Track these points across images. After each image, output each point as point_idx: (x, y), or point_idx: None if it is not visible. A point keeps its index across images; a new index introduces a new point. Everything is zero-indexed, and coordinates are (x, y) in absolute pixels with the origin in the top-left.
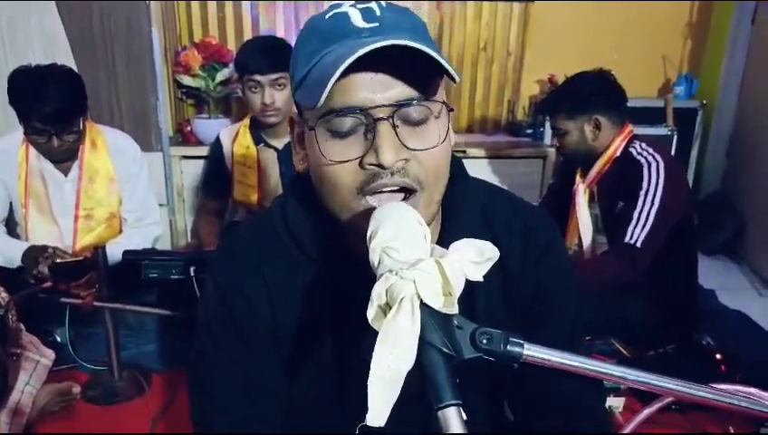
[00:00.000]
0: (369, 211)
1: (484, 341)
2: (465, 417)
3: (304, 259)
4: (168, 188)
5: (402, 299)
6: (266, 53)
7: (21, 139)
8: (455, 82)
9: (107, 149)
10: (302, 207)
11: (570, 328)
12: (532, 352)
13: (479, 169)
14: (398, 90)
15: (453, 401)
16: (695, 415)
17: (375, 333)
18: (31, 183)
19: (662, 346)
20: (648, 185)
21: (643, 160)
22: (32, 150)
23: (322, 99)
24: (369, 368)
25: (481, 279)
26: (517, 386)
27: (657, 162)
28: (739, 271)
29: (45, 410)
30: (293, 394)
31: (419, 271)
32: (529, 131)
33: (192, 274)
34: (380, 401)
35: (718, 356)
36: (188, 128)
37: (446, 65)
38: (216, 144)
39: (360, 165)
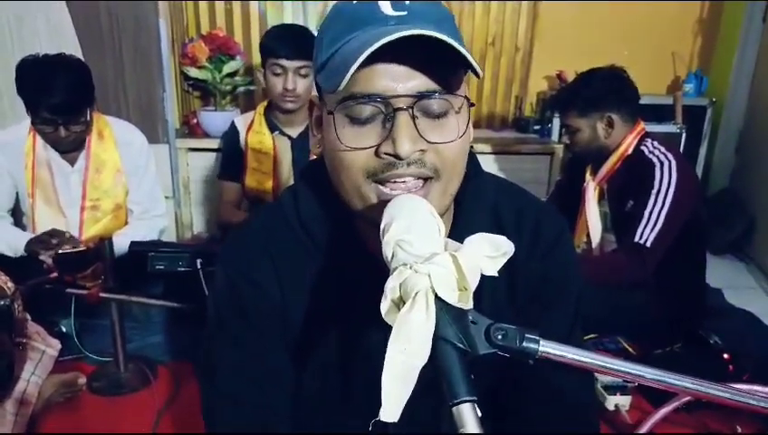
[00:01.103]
0: (381, 199)
1: (500, 336)
2: (479, 414)
3: (314, 247)
4: (173, 181)
5: (417, 293)
6: (295, 40)
7: (28, 129)
8: (478, 76)
9: (114, 140)
10: (313, 195)
11: (570, 321)
12: (548, 348)
13: (486, 164)
14: (420, 81)
15: (468, 398)
16: (702, 414)
17: (382, 326)
18: (37, 173)
19: (669, 345)
20: (660, 185)
21: (655, 160)
22: (38, 141)
23: (343, 84)
24: (374, 361)
25: (496, 274)
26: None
27: (670, 162)
28: (746, 270)
29: (51, 401)
30: (299, 386)
31: (434, 265)
32: (537, 128)
33: (198, 266)
34: (394, 397)
35: (726, 355)
36: (195, 120)
37: (470, 59)
38: (232, 129)
39: (376, 153)
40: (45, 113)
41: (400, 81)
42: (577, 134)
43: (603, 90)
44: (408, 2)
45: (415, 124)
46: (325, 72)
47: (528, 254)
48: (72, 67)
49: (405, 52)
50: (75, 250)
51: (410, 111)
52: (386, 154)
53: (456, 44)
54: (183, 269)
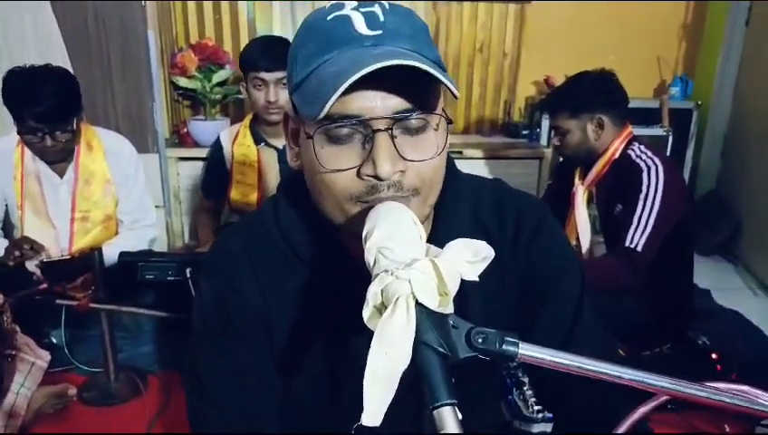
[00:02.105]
0: (364, 214)
1: (480, 340)
2: (460, 416)
3: (295, 256)
4: (164, 190)
5: (398, 299)
6: (273, 52)
7: (16, 140)
8: (456, 97)
9: (103, 150)
10: (294, 206)
11: (569, 315)
12: (527, 351)
13: (476, 169)
14: (397, 100)
15: (448, 401)
16: (690, 414)
17: (367, 333)
18: (27, 185)
19: (658, 346)
20: (648, 189)
21: (642, 164)
22: (27, 152)
23: (322, 114)
24: (361, 368)
25: (476, 279)
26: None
27: (657, 166)
28: (734, 271)
29: (41, 412)
30: (286, 394)
31: (415, 271)
32: (525, 132)
33: (188, 275)
34: (376, 402)
35: (714, 356)
36: (185, 129)
37: (448, 83)
38: (216, 145)
39: (357, 174)
40: (30, 122)
41: (378, 101)
42: (567, 136)
43: (594, 91)
44: (381, 17)
45: (394, 144)
46: (301, 93)
47: (512, 244)
48: (56, 76)
49: (382, 75)
50: (61, 258)
51: (389, 131)
52: (367, 176)
53: (432, 70)
54: (173, 278)
